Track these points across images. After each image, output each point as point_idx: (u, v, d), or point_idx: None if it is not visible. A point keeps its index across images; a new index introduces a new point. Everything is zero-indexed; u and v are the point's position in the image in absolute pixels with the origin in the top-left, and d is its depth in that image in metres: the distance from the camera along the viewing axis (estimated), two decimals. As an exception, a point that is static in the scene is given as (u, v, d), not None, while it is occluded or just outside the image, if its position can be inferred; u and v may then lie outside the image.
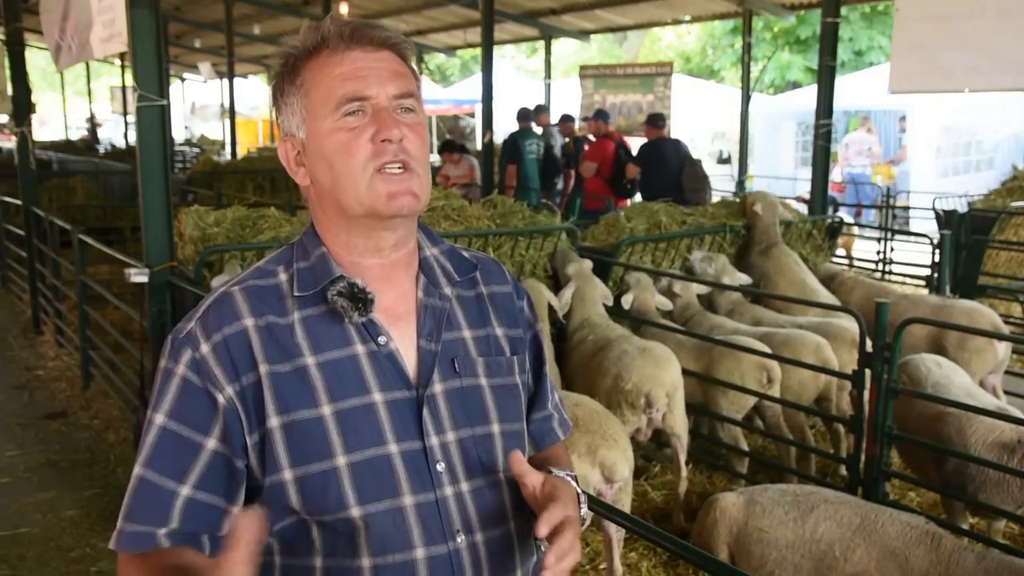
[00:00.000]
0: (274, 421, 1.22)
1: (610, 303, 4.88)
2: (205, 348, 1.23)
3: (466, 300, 1.39)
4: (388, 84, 1.27)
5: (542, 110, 11.22)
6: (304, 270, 1.30)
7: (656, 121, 9.29)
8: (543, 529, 1.19)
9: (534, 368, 1.49)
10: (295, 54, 1.29)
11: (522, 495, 1.37)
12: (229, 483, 1.23)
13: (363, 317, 1.26)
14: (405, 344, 1.30)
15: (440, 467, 1.27)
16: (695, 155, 9.79)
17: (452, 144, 11.52)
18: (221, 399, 1.22)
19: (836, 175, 14.30)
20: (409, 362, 1.29)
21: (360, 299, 1.26)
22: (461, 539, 1.27)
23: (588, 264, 4.93)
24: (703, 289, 5.27)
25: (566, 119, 11.26)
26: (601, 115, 10.08)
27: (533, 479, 1.27)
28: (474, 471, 1.30)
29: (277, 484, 1.22)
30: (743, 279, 5.43)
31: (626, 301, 4.92)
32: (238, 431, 1.22)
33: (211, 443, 1.22)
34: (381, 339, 1.28)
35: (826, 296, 5.54)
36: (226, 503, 1.23)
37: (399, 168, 1.25)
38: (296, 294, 1.28)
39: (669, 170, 8.87)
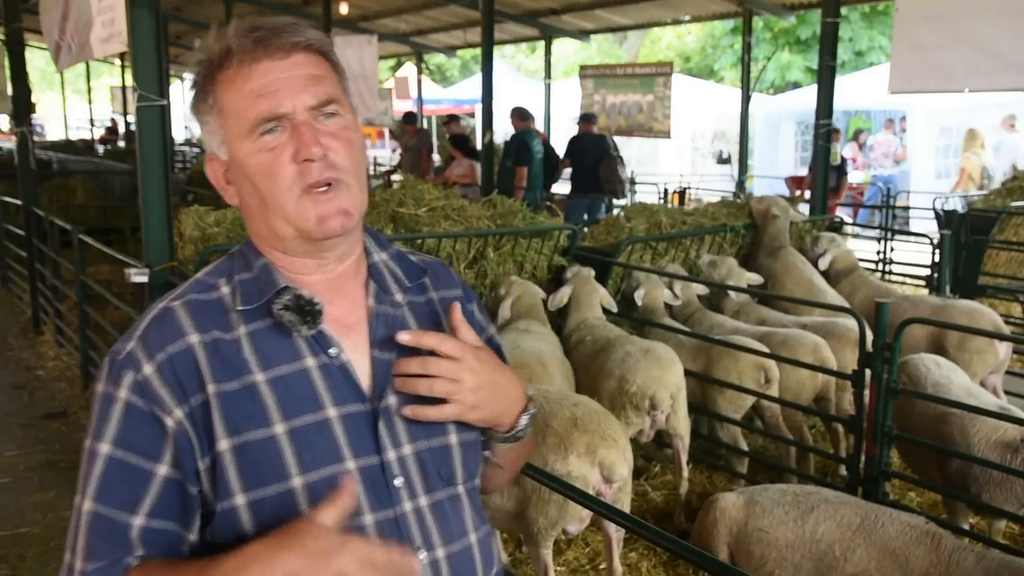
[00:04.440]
0: (224, 444, 1.15)
1: (613, 308, 4.87)
2: (148, 369, 1.15)
3: (418, 307, 1.34)
4: (303, 94, 1.19)
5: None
6: (247, 282, 1.24)
7: (587, 119, 10.52)
8: (403, 334, 1.22)
9: None
10: (203, 71, 1.21)
11: (479, 501, 1.36)
12: (184, 510, 1.16)
13: (312, 330, 1.20)
14: (358, 355, 1.24)
15: (398, 482, 1.22)
16: (697, 154, 10.18)
17: (465, 140, 11.64)
18: (170, 422, 1.14)
19: (859, 176, 14.36)
20: (362, 373, 1.24)
21: (308, 312, 1.20)
22: (423, 555, 1.23)
23: (588, 270, 4.93)
24: (702, 289, 5.28)
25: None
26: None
27: (465, 334, 1.27)
28: (433, 484, 1.26)
29: (229, 510, 1.16)
30: (754, 279, 5.42)
31: (638, 297, 4.94)
32: (189, 455, 1.15)
33: (162, 469, 1.14)
34: (332, 350, 1.22)
35: (833, 296, 5.52)
36: (182, 530, 1.16)
37: (326, 185, 1.19)
38: (239, 308, 1.21)
39: (588, 163, 9.92)
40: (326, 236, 1.21)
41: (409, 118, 13.36)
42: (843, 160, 10.73)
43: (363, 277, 1.31)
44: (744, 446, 4.52)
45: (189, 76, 1.25)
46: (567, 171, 10.70)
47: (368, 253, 1.33)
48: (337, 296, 1.27)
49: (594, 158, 9.96)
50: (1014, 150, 11.92)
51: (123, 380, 1.16)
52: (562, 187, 11.47)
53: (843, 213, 10.79)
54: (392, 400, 1.24)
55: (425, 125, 16.20)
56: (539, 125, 12.51)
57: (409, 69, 20.39)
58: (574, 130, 10.81)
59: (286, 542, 1.03)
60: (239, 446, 1.15)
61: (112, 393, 1.16)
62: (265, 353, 1.19)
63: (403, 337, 1.22)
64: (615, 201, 10.15)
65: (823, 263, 5.83)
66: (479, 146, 11.61)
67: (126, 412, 1.15)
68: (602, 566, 3.74)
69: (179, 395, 1.15)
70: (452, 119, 13.38)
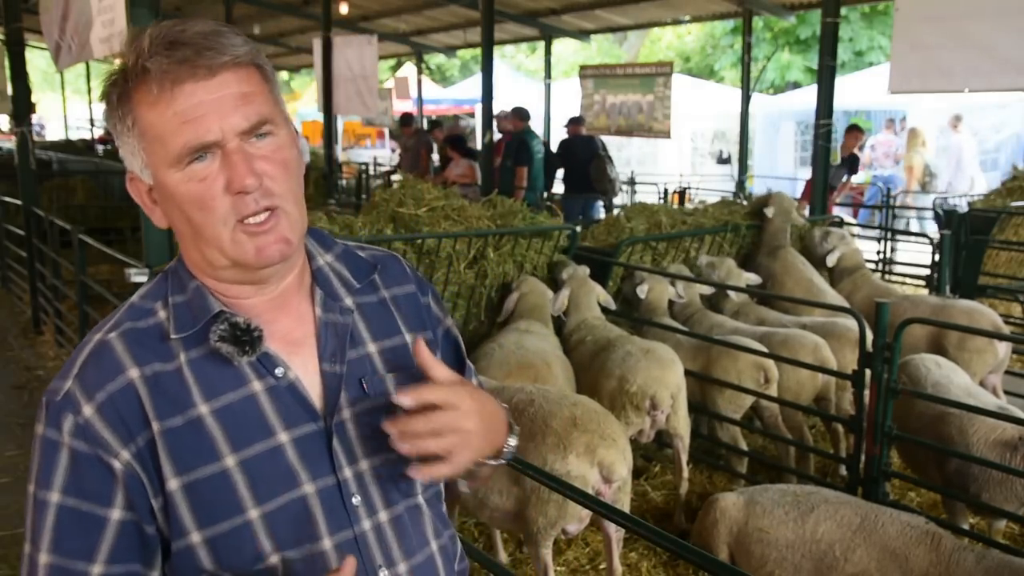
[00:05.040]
0: (174, 483, 1.10)
1: (612, 306, 4.88)
2: (88, 410, 1.09)
3: (368, 308, 1.28)
4: (233, 117, 1.09)
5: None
6: (181, 306, 1.17)
7: (575, 121, 10.89)
8: (404, 397, 1.10)
9: (452, 365, 1.37)
10: (118, 87, 1.12)
11: (442, 507, 1.33)
12: (143, 551, 1.13)
13: (252, 357, 1.14)
14: (308, 371, 1.19)
15: (356, 500, 1.19)
16: (697, 154, 10.28)
17: (461, 140, 11.67)
18: (118, 465, 1.09)
19: (859, 176, 14.38)
20: (313, 390, 1.19)
21: (245, 340, 1.13)
22: (384, 573, 1.20)
23: (584, 269, 4.94)
24: (706, 289, 5.28)
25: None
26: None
27: (439, 373, 1.17)
28: (392, 498, 1.23)
29: (185, 548, 1.13)
30: (752, 279, 5.43)
31: (642, 291, 4.95)
32: (142, 496, 1.11)
33: (116, 514, 1.10)
34: (279, 371, 1.17)
35: (833, 296, 5.54)
36: (144, 569, 1.14)
37: (265, 214, 1.12)
38: (175, 336, 1.14)
39: (578, 163, 10.24)
40: (265, 266, 1.14)
41: (406, 120, 13.44)
42: (855, 158, 10.67)
43: (308, 286, 1.24)
44: (744, 446, 4.52)
45: (100, 85, 1.15)
46: (559, 172, 10.85)
47: (312, 258, 1.26)
48: (281, 313, 1.21)
49: (585, 159, 10.20)
50: (958, 149, 12.38)
51: (63, 424, 1.10)
52: (557, 187, 11.55)
53: (843, 213, 10.79)
54: (347, 414, 1.19)
55: (425, 125, 16.27)
56: (538, 125, 12.54)
57: (409, 69, 20.40)
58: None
59: None
60: (189, 484, 1.11)
61: (53, 438, 1.10)
62: (208, 382, 1.14)
63: (405, 402, 1.11)
64: (614, 200, 10.22)
65: (831, 259, 5.84)
66: (479, 146, 11.63)
67: (71, 458, 1.09)
68: (602, 566, 3.74)
69: (124, 436, 1.10)
70: (435, 125, 13.58)
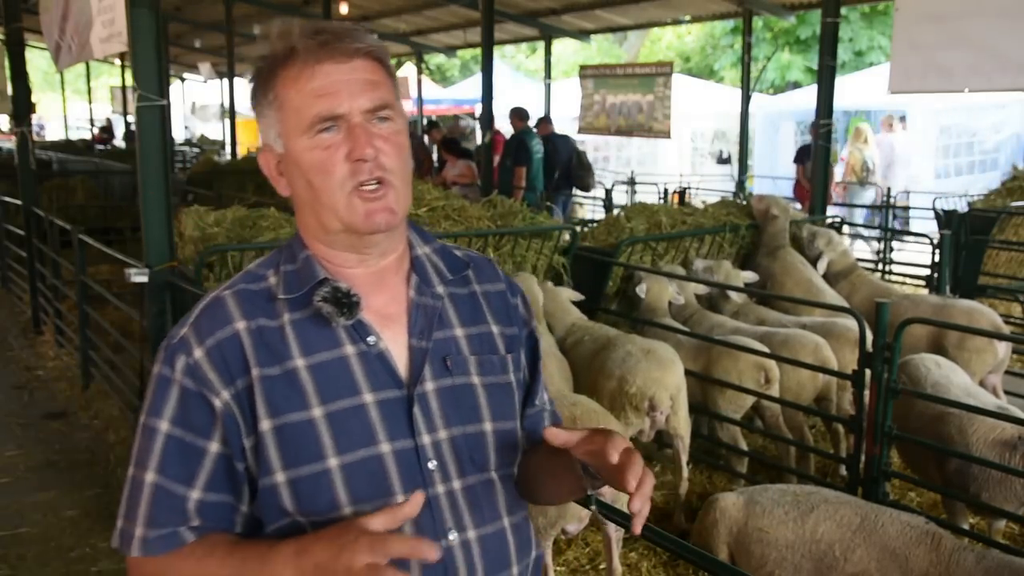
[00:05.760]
0: (265, 424, 1.23)
1: (577, 297, 4.85)
2: (199, 353, 1.25)
3: (459, 298, 1.40)
4: (361, 98, 1.26)
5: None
6: (290, 273, 1.31)
7: (546, 120, 11.47)
8: (614, 455, 1.17)
9: (529, 364, 1.50)
10: (265, 67, 1.28)
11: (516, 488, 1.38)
12: (234, 483, 1.26)
13: (349, 320, 1.27)
14: (397, 344, 1.31)
15: (432, 465, 1.28)
16: (697, 154, 10.47)
17: (455, 143, 11.71)
18: (218, 403, 1.24)
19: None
20: (400, 361, 1.31)
21: (344, 303, 1.27)
22: (453, 536, 1.28)
23: (547, 283, 4.92)
24: (702, 289, 5.28)
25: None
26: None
27: (568, 438, 1.26)
28: (466, 469, 1.32)
29: (270, 486, 1.25)
30: (749, 277, 5.43)
31: (641, 290, 4.94)
32: (236, 434, 1.24)
33: (214, 446, 1.24)
34: (371, 339, 1.29)
35: (832, 296, 5.54)
36: (236, 501, 1.27)
37: (376, 184, 1.26)
38: (282, 296, 1.29)
39: (560, 160, 10.62)
40: (372, 231, 1.27)
41: None
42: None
43: (405, 272, 1.37)
44: (744, 446, 4.52)
45: (248, 73, 1.34)
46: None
47: (412, 247, 1.40)
48: (378, 289, 1.33)
49: (565, 156, 10.44)
50: (889, 148, 12.85)
51: (176, 363, 1.25)
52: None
53: (842, 213, 10.78)
54: (429, 387, 1.30)
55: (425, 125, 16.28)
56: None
57: (409, 69, 20.40)
58: (573, 130, 10.99)
59: (324, 535, 1.12)
60: (278, 427, 1.23)
61: (167, 375, 1.26)
62: (306, 340, 1.27)
63: (613, 458, 1.19)
64: (616, 199, 10.28)
65: (820, 268, 5.82)
66: (479, 145, 11.64)
67: (180, 393, 1.24)
68: (602, 566, 3.74)
69: (226, 378, 1.24)
70: (432, 126, 13.70)
